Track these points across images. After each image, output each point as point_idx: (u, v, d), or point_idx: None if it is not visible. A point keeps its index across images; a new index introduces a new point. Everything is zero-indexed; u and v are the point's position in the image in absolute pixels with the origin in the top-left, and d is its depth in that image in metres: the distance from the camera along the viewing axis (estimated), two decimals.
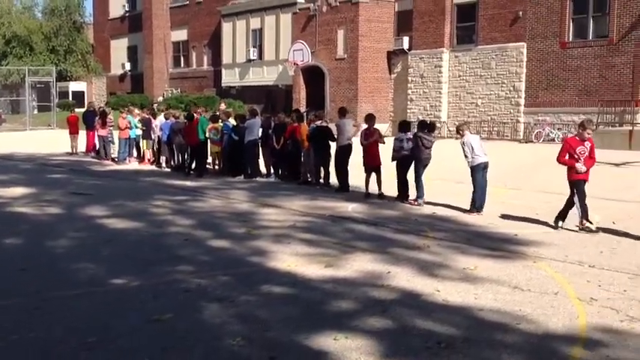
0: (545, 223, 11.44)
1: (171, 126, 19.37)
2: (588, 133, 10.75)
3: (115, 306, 6.77)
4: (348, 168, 15.31)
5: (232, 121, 18.15)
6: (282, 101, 39.67)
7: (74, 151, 24.47)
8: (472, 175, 12.59)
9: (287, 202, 13.69)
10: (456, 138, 13.49)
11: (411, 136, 13.76)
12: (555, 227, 10.96)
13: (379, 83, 35.25)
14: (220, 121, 18.41)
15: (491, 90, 31.47)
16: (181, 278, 7.79)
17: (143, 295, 7.13)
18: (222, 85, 44.64)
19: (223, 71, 44.46)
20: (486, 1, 31.28)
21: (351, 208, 13.10)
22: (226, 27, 43.94)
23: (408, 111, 34.28)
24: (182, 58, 49.90)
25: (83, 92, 54.01)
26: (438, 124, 32.75)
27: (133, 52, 54.36)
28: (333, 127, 15.70)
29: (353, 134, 15.25)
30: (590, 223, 10.72)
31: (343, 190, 15.11)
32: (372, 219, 11.94)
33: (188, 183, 16.64)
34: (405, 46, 34.31)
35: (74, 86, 53.56)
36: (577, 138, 10.88)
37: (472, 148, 12.49)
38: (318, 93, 36.30)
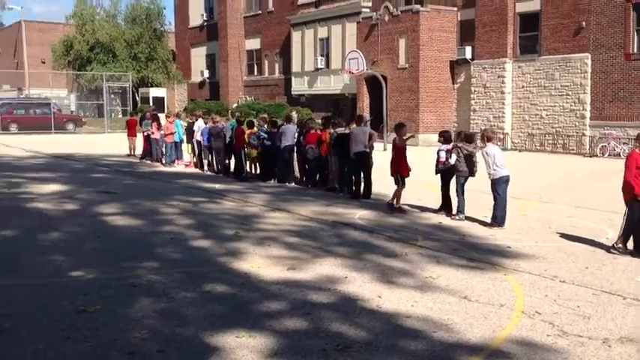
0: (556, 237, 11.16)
1: (209, 130, 19.90)
2: None
3: (55, 296, 7.06)
4: (371, 176, 15.23)
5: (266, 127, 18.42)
6: (349, 110, 39.79)
7: (132, 152, 25.29)
8: (493, 188, 12.00)
9: (300, 207, 13.78)
10: (481, 147, 12.88)
11: (451, 147, 13.17)
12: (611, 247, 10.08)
13: (442, 93, 34.87)
14: (257, 126, 18.72)
15: (556, 102, 30.65)
16: (138, 274, 8.03)
17: (89, 288, 7.39)
18: (292, 93, 45.19)
19: (293, 79, 45.01)
20: (549, 10, 30.53)
21: (359, 215, 13.07)
22: (296, 36, 44.49)
23: (471, 122, 33.82)
24: (255, 66, 50.75)
25: (163, 98, 55.62)
26: (500, 136, 32.32)
27: (211, 60, 55.68)
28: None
29: (370, 143, 15.07)
30: (624, 248, 9.97)
31: (363, 197, 15.05)
32: (371, 226, 11.90)
33: (217, 186, 16.97)
34: (468, 55, 33.84)
35: (154, 92, 55.20)
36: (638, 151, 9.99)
37: (494, 160, 11.98)
38: (381, 102, 36.18)
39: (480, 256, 9.68)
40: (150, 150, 23.62)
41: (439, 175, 13.35)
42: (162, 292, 7.30)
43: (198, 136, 20.39)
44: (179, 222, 11.71)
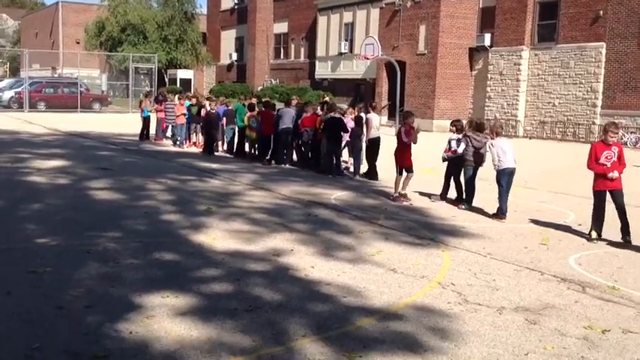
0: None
1: (224, 112, 20.72)
2: (611, 137, 10.25)
3: (14, 259, 7.79)
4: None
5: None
6: (370, 94, 40.32)
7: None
8: (498, 180, 12.01)
9: (283, 187, 14.40)
10: (489, 138, 12.87)
11: (460, 136, 13.19)
12: (589, 239, 10.26)
13: (459, 80, 35.16)
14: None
15: (569, 90, 30.82)
16: (98, 242, 8.72)
17: (47, 253, 8.11)
18: (316, 77, 45.83)
19: (317, 64, 45.61)
20: None
21: (335, 195, 13.66)
22: (321, 21, 45.05)
23: (486, 108, 34.13)
24: (282, 50, 51.50)
25: (190, 80, 56.67)
26: (513, 123, 32.57)
27: (239, 43, 56.59)
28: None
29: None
30: (593, 236, 10.27)
31: (371, 178, 15.96)
32: (342, 206, 12.48)
33: (213, 166, 17.65)
34: (487, 42, 34.11)
35: (182, 74, 56.30)
36: (602, 142, 10.46)
37: (501, 152, 11.92)
38: (400, 86, 36.61)
39: (430, 234, 10.24)
40: (145, 130, 24.34)
41: (446, 163, 13.44)
42: (112, 258, 7.99)
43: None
44: (160, 198, 12.42)
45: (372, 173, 16.10)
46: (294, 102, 19.04)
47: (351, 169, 17.09)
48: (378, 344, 5.65)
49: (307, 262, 8.26)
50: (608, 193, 10.31)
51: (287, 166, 18.28)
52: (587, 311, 6.82)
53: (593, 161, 10.35)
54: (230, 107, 21.30)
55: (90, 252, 8.23)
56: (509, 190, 12.02)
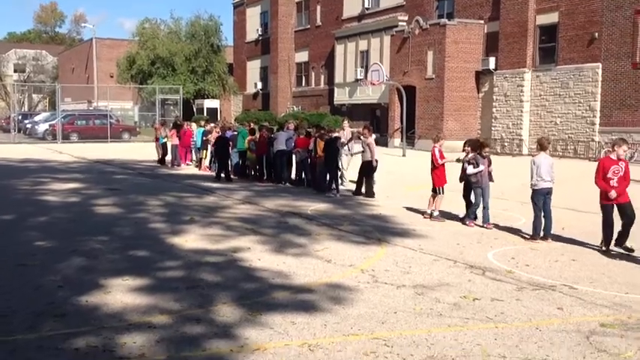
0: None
1: (231, 137, 22.39)
2: (620, 154, 10.54)
3: (10, 256, 9.44)
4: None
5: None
6: (386, 118, 41.96)
7: (159, 157, 27.75)
8: (532, 199, 11.97)
9: (269, 201, 15.95)
10: (532, 154, 12.62)
11: (471, 157, 13.34)
12: (604, 251, 10.61)
13: (466, 102, 36.51)
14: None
15: (569, 109, 31.99)
16: (86, 244, 10.36)
17: (40, 252, 9.77)
18: (335, 103, 47.52)
19: (335, 90, 47.36)
20: (566, 22, 31.94)
21: (313, 207, 15.15)
22: (339, 49, 46.84)
23: (493, 129, 35.41)
24: (303, 78, 53.43)
25: (217, 109, 58.90)
26: (517, 142, 33.78)
27: (264, 73, 58.69)
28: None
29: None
30: (608, 249, 10.59)
31: (368, 195, 17.07)
32: (315, 215, 13.98)
33: (214, 185, 19.30)
34: (492, 66, 35.44)
35: (208, 103, 58.57)
36: (611, 157, 10.71)
37: (539, 170, 11.85)
38: (410, 111, 38.03)
39: (380, 235, 11.66)
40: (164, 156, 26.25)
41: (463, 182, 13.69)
42: (93, 255, 9.61)
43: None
44: (153, 211, 14.06)
45: (358, 189, 17.44)
46: (290, 126, 20.67)
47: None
48: (281, 307, 7.14)
49: (257, 256, 9.76)
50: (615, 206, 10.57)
51: (286, 184, 19.80)
52: (472, 287, 8.22)
53: (600, 177, 10.61)
54: (235, 132, 22.98)
55: (76, 251, 9.85)
56: (550, 210, 11.87)
